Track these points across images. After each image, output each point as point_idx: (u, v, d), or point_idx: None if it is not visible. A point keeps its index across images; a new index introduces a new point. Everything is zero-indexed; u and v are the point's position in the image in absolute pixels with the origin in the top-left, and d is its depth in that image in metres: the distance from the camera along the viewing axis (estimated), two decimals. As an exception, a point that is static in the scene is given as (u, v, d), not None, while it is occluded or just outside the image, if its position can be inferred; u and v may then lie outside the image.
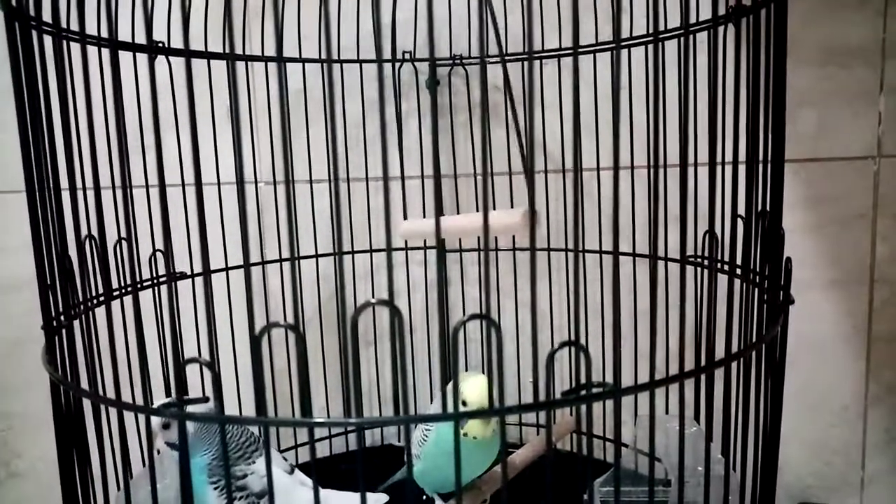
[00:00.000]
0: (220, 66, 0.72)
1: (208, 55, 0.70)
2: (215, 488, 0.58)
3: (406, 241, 0.83)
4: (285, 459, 0.64)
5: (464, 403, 0.55)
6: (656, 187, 0.51)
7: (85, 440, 0.50)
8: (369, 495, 0.61)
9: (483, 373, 0.58)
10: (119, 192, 0.42)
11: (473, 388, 0.55)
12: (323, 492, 0.61)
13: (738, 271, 0.50)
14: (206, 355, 0.71)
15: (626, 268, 0.77)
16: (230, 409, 0.62)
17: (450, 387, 0.38)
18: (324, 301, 0.83)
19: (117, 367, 0.43)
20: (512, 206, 0.81)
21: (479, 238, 0.83)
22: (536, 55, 0.77)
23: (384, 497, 0.62)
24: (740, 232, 0.50)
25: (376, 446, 0.87)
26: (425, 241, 0.84)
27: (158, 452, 0.58)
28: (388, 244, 0.33)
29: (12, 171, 0.51)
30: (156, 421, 0.57)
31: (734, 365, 0.43)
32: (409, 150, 0.83)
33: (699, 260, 0.64)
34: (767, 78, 0.48)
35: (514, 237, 0.82)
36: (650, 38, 0.70)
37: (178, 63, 0.67)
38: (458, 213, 0.83)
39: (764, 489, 0.51)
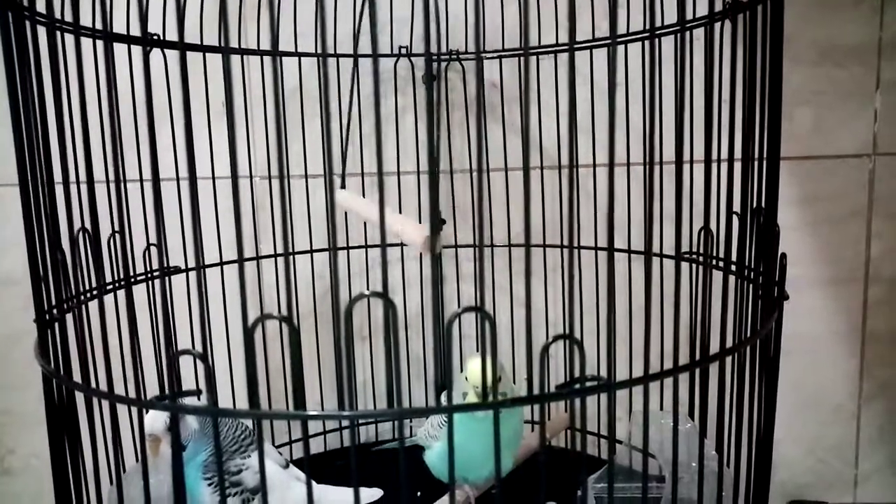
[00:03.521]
0: (215, 60, 0.72)
1: (203, 48, 0.70)
2: (209, 484, 0.58)
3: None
4: (280, 454, 0.64)
5: (467, 379, 0.59)
6: (652, 184, 0.51)
7: (77, 434, 0.49)
8: (363, 490, 0.61)
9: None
10: (113, 186, 0.42)
11: (475, 367, 0.58)
12: (317, 487, 0.61)
13: (733, 267, 0.50)
14: (200, 350, 0.71)
15: (622, 264, 0.77)
16: (225, 405, 0.62)
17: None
18: (319, 298, 0.82)
19: (110, 360, 0.43)
20: (508, 204, 0.81)
21: (473, 234, 0.83)
22: (532, 51, 0.77)
23: (378, 492, 0.61)
24: (735, 228, 0.50)
25: (371, 442, 0.87)
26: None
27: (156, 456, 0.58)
28: (383, 240, 0.33)
29: (5, 164, 0.51)
30: (160, 425, 0.57)
31: (728, 361, 0.43)
32: (404, 145, 0.83)
33: (694, 256, 0.64)
34: (763, 75, 0.48)
35: (508, 233, 0.82)
36: (646, 35, 0.70)
37: (173, 56, 0.67)
38: (453, 210, 0.83)
39: (758, 486, 0.51)
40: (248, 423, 0.62)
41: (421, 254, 0.85)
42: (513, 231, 0.82)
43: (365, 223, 0.81)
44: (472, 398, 0.58)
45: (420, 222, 0.57)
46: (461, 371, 0.73)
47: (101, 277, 0.46)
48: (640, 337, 0.38)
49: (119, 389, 0.41)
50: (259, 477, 0.58)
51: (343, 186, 0.76)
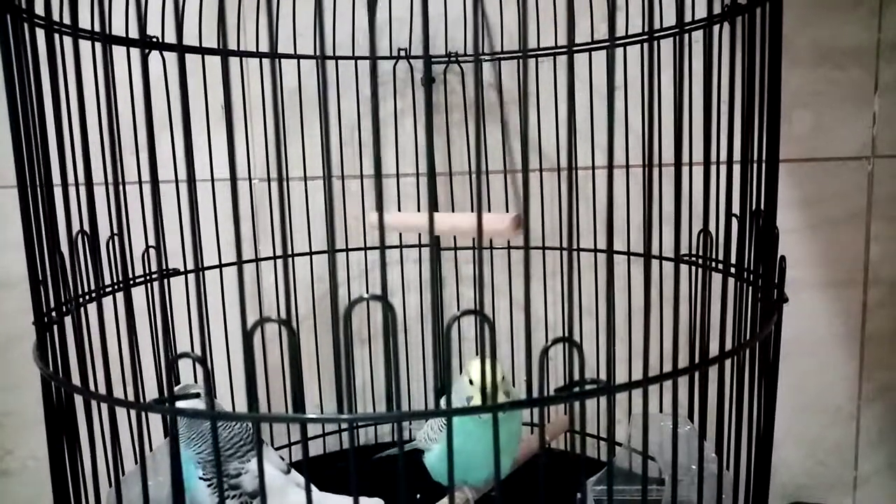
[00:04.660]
0: (214, 62, 0.72)
1: (202, 50, 0.70)
2: (208, 485, 0.58)
3: (401, 239, 0.83)
4: (282, 459, 0.64)
5: (471, 382, 0.59)
6: (651, 186, 0.51)
7: (76, 437, 0.49)
8: (363, 499, 0.60)
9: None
10: (111, 188, 0.42)
11: (478, 368, 0.58)
12: (317, 494, 0.60)
13: (732, 270, 0.50)
14: (199, 352, 0.70)
15: (621, 266, 0.77)
16: (224, 407, 0.62)
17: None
18: (318, 300, 0.82)
19: (109, 363, 0.43)
20: (507, 206, 0.81)
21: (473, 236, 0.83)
22: (531, 53, 0.77)
23: (379, 502, 0.61)
24: (735, 231, 0.50)
25: (370, 445, 0.87)
26: (419, 237, 0.84)
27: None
28: (382, 241, 0.33)
29: (4, 166, 0.51)
30: None
31: (728, 363, 0.43)
32: (403, 147, 0.83)
33: (693, 259, 0.64)
34: (762, 77, 0.48)
35: (508, 236, 0.82)
36: (645, 37, 0.70)
37: (172, 58, 0.67)
38: (452, 212, 0.83)
39: (757, 488, 0.51)
40: (250, 425, 0.62)
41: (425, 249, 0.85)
42: (512, 233, 0.82)
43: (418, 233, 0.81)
44: (478, 401, 0.58)
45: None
46: (460, 373, 0.73)
47: (100, 280, 0.46)
48: (639, 339, 0.37)
49: (118, 392, 0.41)
50: (258, 482, 0.58)
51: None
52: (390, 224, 0.61)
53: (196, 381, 0.68)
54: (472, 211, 0.83)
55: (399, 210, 0.84)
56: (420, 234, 0.82)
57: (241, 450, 0.60)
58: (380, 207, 0.32)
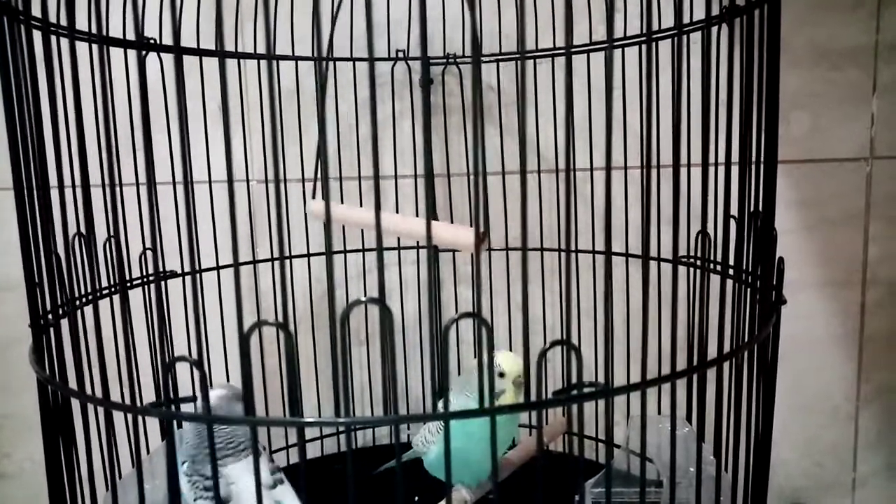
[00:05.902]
0: (211, 64, 0.72)
1: (199, 52, 0.70)
2: (188, 481, 0.58)
3: (398, 240, 0.83)
4: (277, 471, 0.60)
5: (501, 375, 0.58)
6: (649, 188, 0.51)
7: (73, 440, 0.49)
8: None
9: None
10: (108, 190, 0.41)
11: (508, 358, 0.58)
12: None
13: (731, 271, 0.50)
14: (196, 355, 0.70)
15: (619, 268, 0.77)
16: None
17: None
18: (315, 301, 0.82)
19: (105, 366, 0.43)
20: (506, 208, 0.81)
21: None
22: (529, 55, 0.77)
23: None
24: (733, 232, 0.50)
25: (367, 447, 0.87)
26: (418, 242, 0.84)
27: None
28: (379, 243, 0.32)
29: (0, 168, 0.51)
30: None
31: (726, 365, 0.43)
32: (401, 149, 0.83)
33: (692, 260, 0.64)
34: (760, 78, 0.48)
35: (506, 237, 0.82)
36: (643, 38, 0.69)
37: (169, 60, 0.67)
38: (450, 214, 0.83)
39: (755, 490, 0.51)
40: (240, 433, 0.59)
41: (418, 255, 0.85)
42: (510, 235, 0.82)
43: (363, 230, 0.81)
44: (510, 396, 0.58)
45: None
46: (458, 375, 0.73)
47: (97, 282, 0.46)
48: (637, 341, 0.37)
49: (115, 395, 0.40)
50: (230, 489, 0.57)
51: (314, 196, 0.67)
52: (334, 216, 0.59)
53: (193, 384, 0.68)
54: (471, 213, 0.83)
55: (397, 212, 0.84)
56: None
57: (219, 452, 0.57)
58: (377, 208, 0.32)
